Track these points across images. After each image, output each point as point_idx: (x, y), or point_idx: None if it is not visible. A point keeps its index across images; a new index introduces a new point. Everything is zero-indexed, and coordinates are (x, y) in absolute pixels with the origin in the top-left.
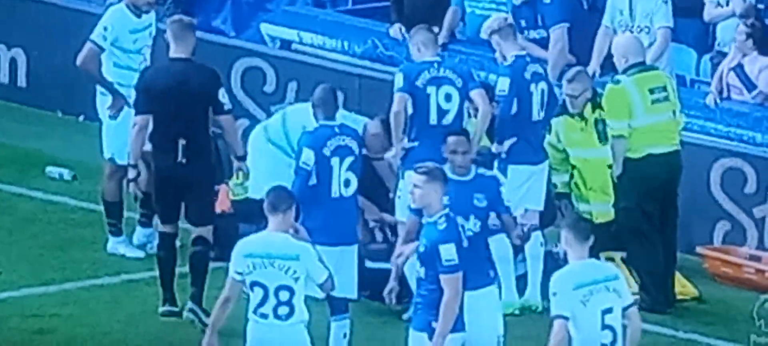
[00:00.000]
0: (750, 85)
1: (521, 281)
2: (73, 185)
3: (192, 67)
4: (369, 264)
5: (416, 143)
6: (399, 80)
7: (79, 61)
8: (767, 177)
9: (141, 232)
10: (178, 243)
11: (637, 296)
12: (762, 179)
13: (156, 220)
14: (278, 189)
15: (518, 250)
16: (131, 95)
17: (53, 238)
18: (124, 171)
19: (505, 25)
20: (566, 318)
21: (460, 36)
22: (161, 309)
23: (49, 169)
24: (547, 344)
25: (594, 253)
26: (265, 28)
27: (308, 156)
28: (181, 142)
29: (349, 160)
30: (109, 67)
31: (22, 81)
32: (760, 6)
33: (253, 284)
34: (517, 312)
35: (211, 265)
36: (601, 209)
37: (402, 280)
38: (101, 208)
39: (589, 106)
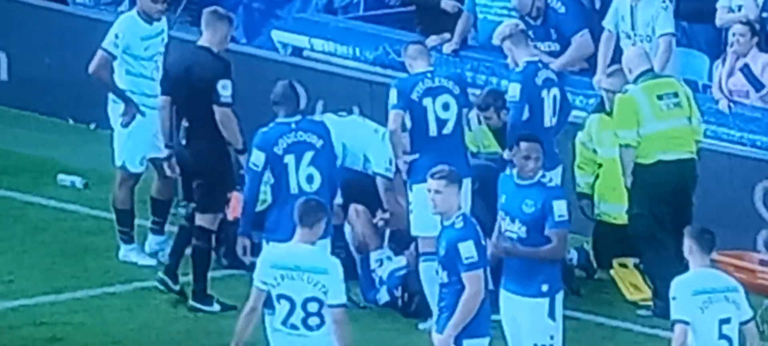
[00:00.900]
0: (759, 85)
1: None
2: (84, 192)
3: (203, 56)
4: (378, 269)
5: (417, 156)
6: (393, 97)
7: (91, 69)
8: None
9: (153, 239)
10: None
11: (651, 303)
12: None
13: (168, 227)
14: (309, 201)
15: None
16: (143, 103)
17: (65, 246)
18: (136, 179)
19: (516, 31)
20: (687, 323)
21: (472, 42)
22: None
23: (60, 177)
24: None
25: (609, 256)
26: (277, 35)
27: (257, 157)
28: (184, 123)
29: (308, 155)
30: (121, 75)
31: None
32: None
33: (279, 296)
34: None
35: (225, 272)
36: (622, 211)
37: (414, 288)
38: (113, 216)
39: None
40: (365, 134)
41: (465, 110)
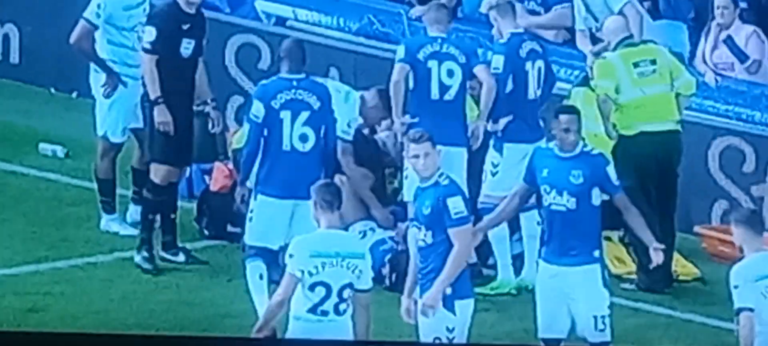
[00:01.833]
0: (743, 56)
1: (518, 261)
2: (66, 162)
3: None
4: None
5: (417, 119)
6: (400, 51)
7: (72, 39)
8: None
9: (134, 209)
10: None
11: (635, 276)
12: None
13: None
14: (330, 185)
15: (514, 229)
16: (125, 73)
17: (46, 215)
18: (117, 149)
19: (503, 2)
20: (751, 310)
21: (458, 13)
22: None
23: (42, 146)
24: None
25: None
26: (260, 5)
27: (257, 108)
28: None
29: (304, 114)
30: (103, 45)
31: (15, 58)
32: None
33: (316, 283)
34: (513, 292)
35: (206, 243)
36: None
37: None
38: (94, 185)
39: None
40: None
41: (469, 82)
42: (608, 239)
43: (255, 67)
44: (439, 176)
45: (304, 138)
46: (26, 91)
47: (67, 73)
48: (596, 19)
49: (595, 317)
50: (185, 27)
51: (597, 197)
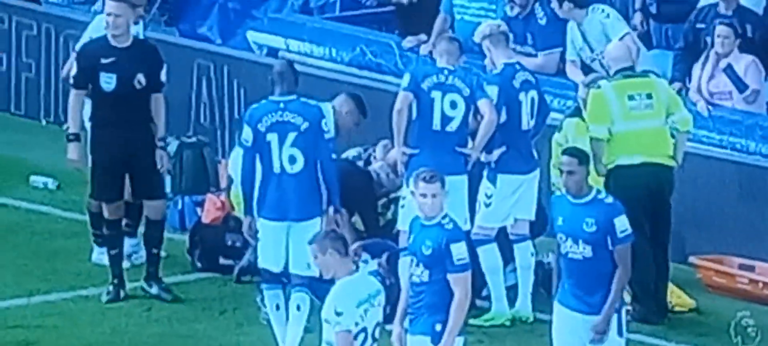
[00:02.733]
0: (742, 86)
1: (512, 292)
2: (57, 194)
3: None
4: None
5: (417, 151)
6: (405, 80)
7: (63, 73)
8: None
9: (126, 242)
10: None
11: (630, 307)
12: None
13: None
14: (331, 233)
15: (508, 261)
16: None
17: (37, 248)
18: None
19: (497, 32)
20: None
21: None
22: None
23: (33, 178)
24: None
25: None
26: (252, 36)
27: (246, 132)
28: None
29: (291, 136)
30: None
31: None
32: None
33: (360, 332)
34: (507, 323)
35: (198, 275)
36: None
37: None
38: (86, 218)
39: None
40: None
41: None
42: None
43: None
44: (443, 217)
45: (292, 160)
46: (17, 122)
47: (58, 105)
48: (592, 49)
49: None
50: (105, 61)
51: (612, 243)
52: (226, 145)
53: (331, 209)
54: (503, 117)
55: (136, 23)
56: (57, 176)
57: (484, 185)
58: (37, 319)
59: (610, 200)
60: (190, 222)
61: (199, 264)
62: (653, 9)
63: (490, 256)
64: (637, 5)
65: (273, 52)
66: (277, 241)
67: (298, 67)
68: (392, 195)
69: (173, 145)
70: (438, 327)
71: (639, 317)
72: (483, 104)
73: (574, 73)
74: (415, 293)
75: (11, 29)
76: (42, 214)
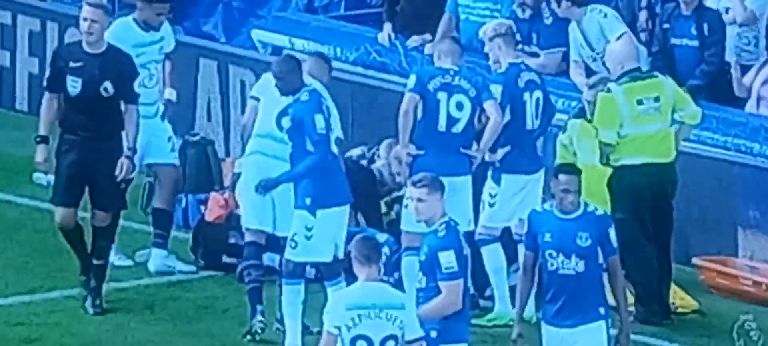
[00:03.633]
0: None
1: (515, 292)
2: None
3: None
4: None
5: (423, 152)
6: (411, 81)
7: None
8: None
9: (157, 254)
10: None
11: (632, 308)
12: None
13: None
14: (369, 239)
15: (511, 261)
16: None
17: (40, 245)
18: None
19: (510, 32)
20: None
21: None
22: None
23: (36, 176)
24: None
25: None
26: (257, 35)
27: (320, 122)
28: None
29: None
30: None
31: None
32: None
33: (356, 338)
34: (510, 323)
35: (202, 273)
36: None
37: None
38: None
39: None
40: None
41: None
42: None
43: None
44: (441, 224)
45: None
46: (21, 119)
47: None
48: (592, 49)
49: None
50: (74, 65)
51: (602, 256)
52: (231, 144)
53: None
54: (507, 117)
55: (156, 28)
56: None
57: (489, 185)
58: (41, 316)
59: (600, 211)
60: (194, 220)
61: (202, 262)
62: (658, 8)
63: (493, 256)
64: (643, 3)
65: (278, 50)
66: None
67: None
68: (395, 194)
69: (177, 144)
70: (433, 334)
71: (642, 318)
72: (489, 106)
73: (577, 74)
74: (417, 297)
75: (15, 26)
76: (45, 211)
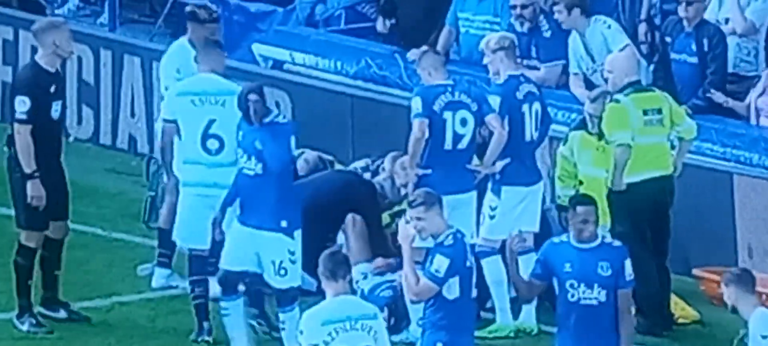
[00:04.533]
0: None
1: (516, 304)
2: None
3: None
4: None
5: (429, 171)
6: (417, 105)
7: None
8: None
9: (160, 273)
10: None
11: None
12: None
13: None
14: (335, 254)
15: None
16: None
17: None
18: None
19: (512, 45)
20: None
21: (454, 56)
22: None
23: None
24: None
25: None
26: (257, 48)
27: None
28: None
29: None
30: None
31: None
32: None
33: None
34: (511, 335)
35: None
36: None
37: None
38: (92, 229)
39: None
40: None
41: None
42: None
43: None
44: (447, 236)
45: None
46: None
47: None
48: (594, 60)
49: None
50: (52, 90)
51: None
52: None
53: None
54: (506, 128)
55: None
56: None
57: (489, 198)
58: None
59: (617, 243)
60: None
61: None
62: (658, 20)
63: (494, 268)
64: (643, 16)
65: (278, 64)
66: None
67: (303, 79)
68: (396, 208)
69: None
70: (439, 345)
71: (644, 329)
72: (492, 120)
73: (576, 87)
74: (424, 308)
75: (17, 41)
76: None
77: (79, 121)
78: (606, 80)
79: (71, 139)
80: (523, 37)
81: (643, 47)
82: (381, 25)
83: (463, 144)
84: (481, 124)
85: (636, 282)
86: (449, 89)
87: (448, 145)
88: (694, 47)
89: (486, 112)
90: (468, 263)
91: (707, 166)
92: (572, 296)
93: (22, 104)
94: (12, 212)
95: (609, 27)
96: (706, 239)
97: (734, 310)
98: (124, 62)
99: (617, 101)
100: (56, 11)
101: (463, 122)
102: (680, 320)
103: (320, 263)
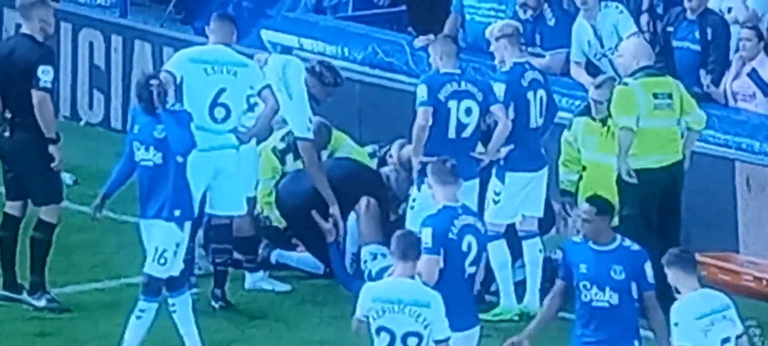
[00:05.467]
0: (767, 89)
1: (520, 287)
2: (74, 189)
3: (24, 42)
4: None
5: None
6: (423, 93)
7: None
8: None
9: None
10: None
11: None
12: None
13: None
14: (408, 235)
15: (516, 256)
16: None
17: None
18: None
19: (517, 32)
20: None
21: (460, 43)
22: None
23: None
24: None
25: None
26: (266, 35)
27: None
28: (7, 114)
29: None
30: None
31: None
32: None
33: (380, 329)
34: (515, 318)
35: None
36: None
37: None
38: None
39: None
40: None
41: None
42: None
43: None
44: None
45: None
46: None
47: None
48: (602, 45)
49: None
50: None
51: (636, 290)
52: None
53: None
54: (511, 115)
55: None
56: (74, 171)
57: (493, 183)
58: (54, 311)
59: (635, 247)
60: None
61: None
62: (660, 10)
63: (498, 251)
64: (645, 6)
65: (286, 50)
66: None
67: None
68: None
69: None
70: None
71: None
72: (497, 110)
73: (578, 75)
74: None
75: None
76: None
77: (90, 106)
78: (612, 65)
79: (82, 123)
80: (527, 24)
81: (646, 36)
82: None
83: (466, 133)
84: (486, 114)
85: None
86: (456, 78)
87: (451, 133)
88: (697, 35)
89: (491, 103)
90: (451, 236)
91: (709, 153)
92: (585, 296)
93: (47, 73)
94: None
95: (621, 12)
96: (707, 225)
97: (677, 291)
98: (135, 47)
99: (626, 84)
100: None
101: (468, 112)
102: None
103: (393, 241)
